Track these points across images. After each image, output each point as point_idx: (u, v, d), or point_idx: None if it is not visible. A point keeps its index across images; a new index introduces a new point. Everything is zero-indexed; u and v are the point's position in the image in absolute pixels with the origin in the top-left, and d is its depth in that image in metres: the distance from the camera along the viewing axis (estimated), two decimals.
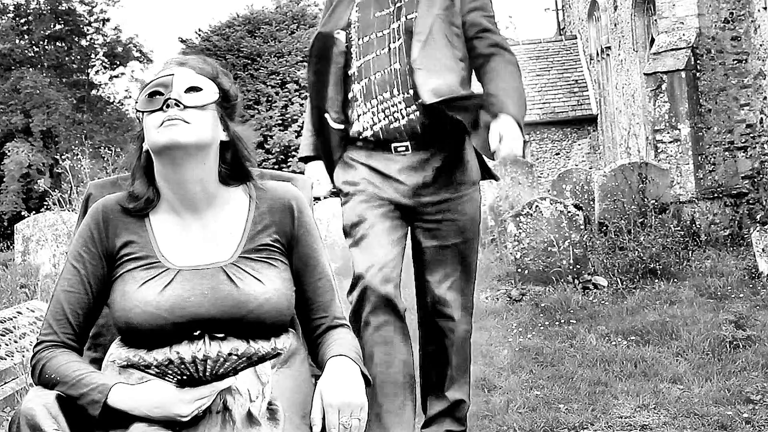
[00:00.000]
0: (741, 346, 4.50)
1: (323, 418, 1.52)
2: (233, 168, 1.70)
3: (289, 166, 20.44)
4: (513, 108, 2.45)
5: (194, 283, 1.59)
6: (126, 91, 38.79)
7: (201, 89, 1.62)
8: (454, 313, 2.69)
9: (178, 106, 1.59)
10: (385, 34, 2.60)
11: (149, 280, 1.59)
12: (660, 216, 8.37)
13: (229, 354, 1.45)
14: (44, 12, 28.82)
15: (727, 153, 10.77)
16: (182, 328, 1.54)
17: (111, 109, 30.79)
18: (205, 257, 1.63)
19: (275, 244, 1.68)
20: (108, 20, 30.71)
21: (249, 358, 1.47)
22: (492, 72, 2.57)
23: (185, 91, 1.61)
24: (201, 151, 1.61)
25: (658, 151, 10.50)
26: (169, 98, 1.59)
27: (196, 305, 1.56)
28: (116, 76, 31.65)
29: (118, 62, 30.85)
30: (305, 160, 2.82)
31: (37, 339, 1.62)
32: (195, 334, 1.53)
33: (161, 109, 1.59)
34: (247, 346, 1.52)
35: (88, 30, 30.41)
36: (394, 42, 2.58)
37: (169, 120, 1.58)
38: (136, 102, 1.65)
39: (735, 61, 10.71)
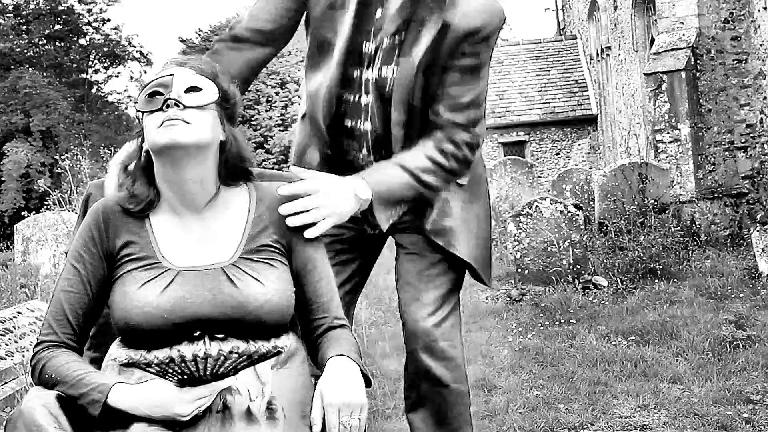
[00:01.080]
0: (741, 346, 4.50)
1: (323, 418, 1.52)
2: (233, 168, 1.70)
3: (289, 166, 20.48)
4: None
5: (194, 284, 1.59)
6: (125, 90, 38.83)
7: (201, 89, 1.62)
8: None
9: (178, 106, 1.59)
10: (355, 75, 2.05)
11: (149, 280, 1.59)
12: (660, 216, 8.37)
13: (230, 352, 1.45)
14: (43, 12, 28.84)
15: (727, 153, 10.77)
16: (182, 329, 1.54)
17: (110, 108, 30.81)
18: (205, 258, 1.63)
19: (275, 245, 1.68)
20: (108, 20, 30.73)
21: (249, 356, 1.47)
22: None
23: (185, 91, 1.61)
24: (201, 151, 1.61)
25: (658, 151, 10.51)
26: (169, 98, 1.59)
27: (196, 306, 1.56)
28: (115, 76, 31.70)
29: (117, 62, 30.88)
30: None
31: (37, 339, 1.62)
32: (195, 334, 1.53)
33: (161, 109, 1.60)
34: (247, 345, 1.52)
35: (87, 30, 30.43)
36: (363, 96, 2.06)
37: (169, 120, 1.58)
38: (136, 102, 1.65)
39: (735, 61, 10.71)
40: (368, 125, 2.06)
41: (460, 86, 1.98)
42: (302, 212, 1.72)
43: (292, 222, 1.70)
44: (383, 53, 2.00)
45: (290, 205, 1.71)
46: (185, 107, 1.59)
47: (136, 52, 31.17)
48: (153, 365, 1.45)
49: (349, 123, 2.09)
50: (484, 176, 2.26)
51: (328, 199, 1.76)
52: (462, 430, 2.19)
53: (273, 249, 1.68)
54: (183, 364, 1.44)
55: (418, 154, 1.98)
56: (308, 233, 1.70)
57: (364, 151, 2.09)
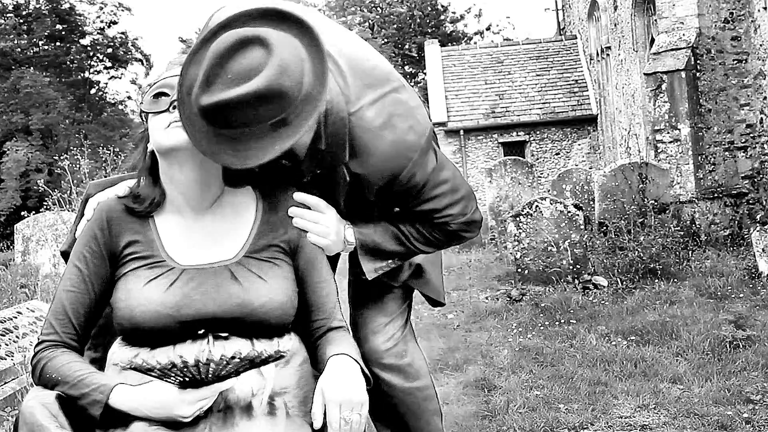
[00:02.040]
0: (741, 346, 4.50)
1: (324, 414, 1.52)
2: (237, 169, 1.70)
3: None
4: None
5: (199, 282, 1.59)
6: (126, 92, 38.84)
7: None
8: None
9: None
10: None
11: (154, 278, 1.59)
12: (660, 216, 8.37)
13: (232, 357, 1.45)
14: (44, 12, 28.83)
15: (727, 153, 10.77)
16: (186, 327, 1.54)
17: (111, 109, 30.82)
18: (209, 257, 1.63)
19: (280, 245, 1.69)
20: (116, 23, 30.73)
21: (252, 360, 1.47)
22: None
23: None
24: None
25: (658, 151, 10.51)
26: (175, 100, 1.59)
27: (200, 304, 1.56)
28: (117, 77, 31.71)
29: (119, 64, 30.88)
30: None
31: (39, 338, 1.62)
32: (199, 333, 1.53)
33: (167, 110, 1.60)
34: (250, 349, 1.52)
35: (88, 30, 30.44)
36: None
37: (175, 122, 1.58)
38: (141, 103, 1.65)
39: (735, 61, 10.71)
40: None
41: (426, 203, 1.88)
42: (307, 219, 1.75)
43: (296, 223, 1.72)
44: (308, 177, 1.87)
45: (301, 212, 1.74)
46: None
47: (138, 53, 31.19)
48: (155, 370, 1.45)
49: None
50: None
51: (330, 224, 1.79)
52: (428, 422, 2.22)
53: (278, 249, 1.68)
54: (185, 369, 1.44)
55: (416, 227, 1.93)
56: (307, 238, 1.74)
57: None
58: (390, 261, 1.97)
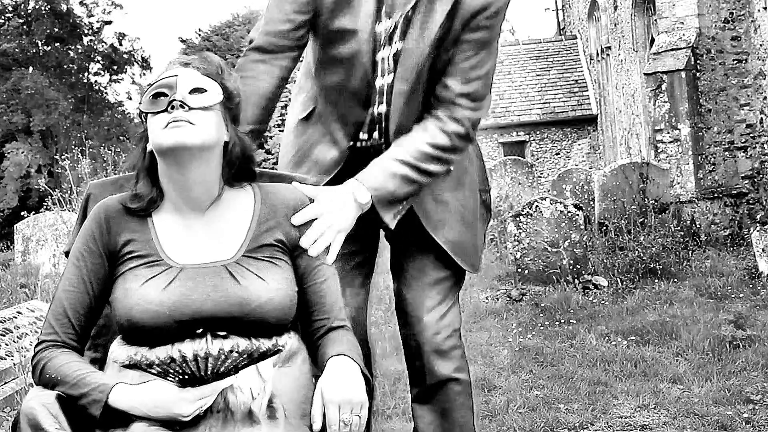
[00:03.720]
0: (741, 346, 4.50)
1: (323, 416, 1.52)
2: (237, 168, 1.70)
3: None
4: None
5: (197, 281, 1.59)
6: (126, 93, 38.86)
7: (205, 90, 1.62)
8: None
9: (183, 107, 1.59)
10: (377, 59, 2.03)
11: (152, 277, 1.59)
12: (660, 216, 8.37)
13: (230, 351, 1.45)
14: (44, 13, 28.85)
15: (727, 153, 10.77)
16: (185, 326, 1.54)
17: (109, 111, 30.84)
18: (208, 256, 1.63)
19: (279, 245, 1.69)
20: (110, 22, 30.73)
21: (250, 355, 1.47)
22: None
23: (190, 92, 1.61)
24: (205, 152, 1.61)
25: (658, 151, 10.51)
26: (174, 100, 1.59)
27: (198, 303, 1.56)
28: (117, 81, 31.76)
29: (117, 69, 30.89)
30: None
31: (38, 339, 1.62)
32: (198, 332, 1.53)
33: (166, 110, 1.59)
34: (248, 343, 1.52)
35: (86, 32, 30.45)
36: (378, 78, 2.04)
37: (174, 121, 1.58)
38: (140, 103, 1.65)
39: (735, 61, 10.71)
40: (383, 108, 2.06)
41: (472, 59, 1.99)
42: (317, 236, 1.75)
43: (314, 252, 1.71)
44: (399, 32, 1.99)
45: (308, 236, 1.72)
46: (190, 108, 1.59)
47: (138, 56, 31.21)
48: (154, 366, 1.45)
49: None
50: (470, 168, 2.27)
51: (334, 216, 1.78)
52: (465, 419, 2.23)
53: (277, 248, 1.68)
54: (184, 364, 1.44)
55: (419, 141, 2.00)
56: (328, 260, 1.73)
57: (376, 135, 2.10)
58: (405, 202, 2.03)
